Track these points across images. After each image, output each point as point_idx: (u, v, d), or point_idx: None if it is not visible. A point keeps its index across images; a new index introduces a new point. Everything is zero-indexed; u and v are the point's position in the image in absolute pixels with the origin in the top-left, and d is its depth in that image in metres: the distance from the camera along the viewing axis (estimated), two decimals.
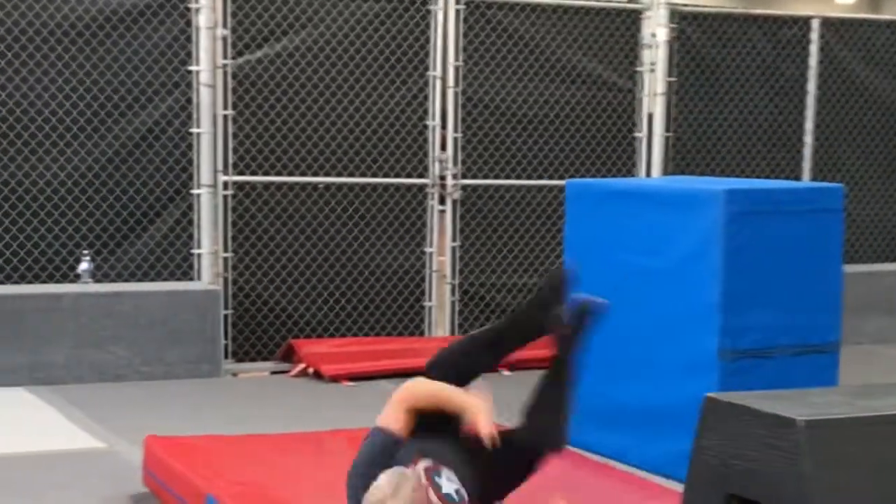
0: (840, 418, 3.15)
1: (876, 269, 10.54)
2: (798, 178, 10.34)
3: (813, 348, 6.15)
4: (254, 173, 8.90)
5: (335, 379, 8.56)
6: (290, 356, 8.88)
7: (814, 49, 10.34)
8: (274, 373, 8.88)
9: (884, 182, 10.78)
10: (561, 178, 9.69)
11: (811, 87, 10.37)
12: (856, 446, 3.13)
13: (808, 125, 10.40)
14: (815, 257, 6.19)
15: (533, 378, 8.64)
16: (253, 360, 8.91)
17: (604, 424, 6.53)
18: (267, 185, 8.94)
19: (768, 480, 3.11)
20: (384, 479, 3.86)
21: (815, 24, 10.35)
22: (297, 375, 8.69)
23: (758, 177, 10.03)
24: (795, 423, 3.12)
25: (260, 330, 8.92)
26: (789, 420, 3.14)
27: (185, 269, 8.74)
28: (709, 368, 6.00)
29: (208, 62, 8.69)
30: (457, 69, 9.37)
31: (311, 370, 8.71)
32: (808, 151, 10.43)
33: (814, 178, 10.33)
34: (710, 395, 3.57)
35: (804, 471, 3.03)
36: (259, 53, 8.88)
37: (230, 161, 8.81)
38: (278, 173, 8.97)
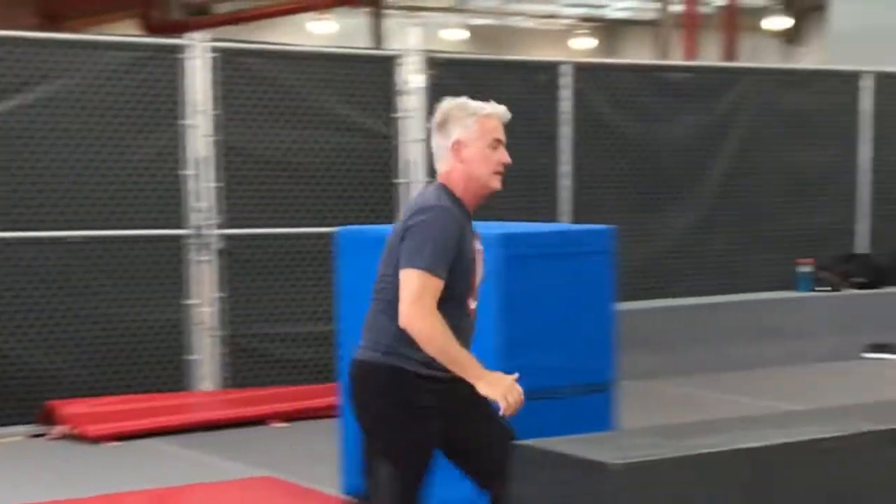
0: (654, 460, 3.15)
1: (636, 306, 10.77)
2: (554, 220, 10.47)
3: (592, 387, 6.21)
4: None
5: (100, 440, 8.25)
6: (49, 418, 8.52)
7: (566, 94, 10.55)
8: (34, 436, 8.48)
9: (639, 221, 11.03)
10: (320, 224, 9.56)
11: (565, 130, 10.56)
12: (669, 488, 3.13)
13: (564, 168, 10.59)
14: (588, 297, 6.25)
15: None
16: (5, 424, 8.50)
17: None
18: (11, 242, 8.55)
19: None
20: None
21: (566, 69, 10.57)
22: (57, 438, 8.34)
23: (517, 220, 10.14)
24: (608, 467, 3.10)
25: (11, 392, 8.52)
26: (602, 464, 3.12)
27: None
28: None
29: None
30: (215, 117, 9.19)
31: (73, 431, 8.36)
32: (565, 194, 10.61)
33: (573, 220, 10.47)
34: (520, 442, 3.54)
35: None
36: (11, 103, 8.55)
37: None
38: (25, 228, 8.59)
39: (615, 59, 11.78)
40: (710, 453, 3.13)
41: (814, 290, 11.69)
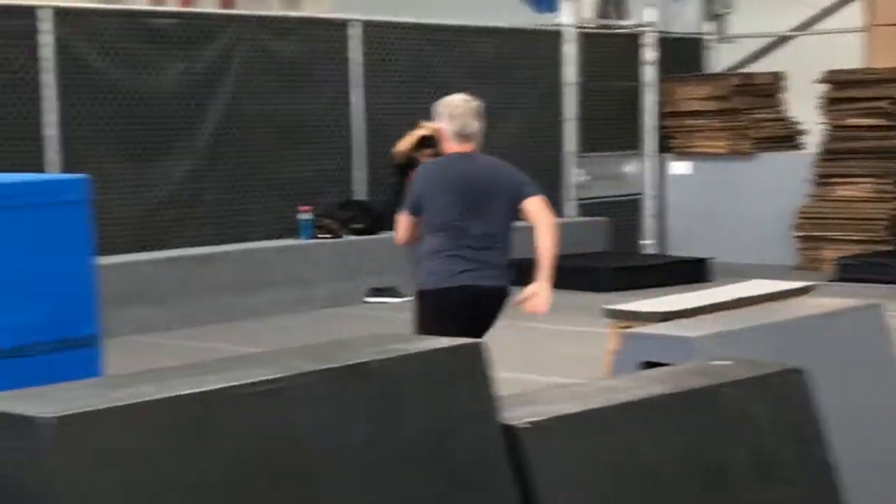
0: (90, 412, 2.95)
1: (132, 259, 10.55)
2: (41, 171, 10.02)
3: (72, 343, 5.94)
4: None
5: None
6: None
7: (46, 39, 10.06)
8: None
9: (134, 171, 10.77)
10: None
11: (47, 78, 10.09)
12: (112, 439, 2.95)
13: (49, 117, 10.13)
14: (63, 250, 5.97)
15: None
16: None
17: None
18: None
19: (17, 491, 2.85)
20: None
21: (45, 14, 10.09)
22: None
23: None
24: (37, 421, 2.87)
25: None
26: (30, 419, 2.88)
27: None
28: None
29: None
30: None
31: None
32: (51, 144, 10.16)
33: (64, 171, 10.05)
34: None
35: (51, 470, 2.81)
36: None
37: None
38: None
39: (100, 4, 11.33)
40: (146, 402, 2.97)
41: (315, 238, 11.81)
